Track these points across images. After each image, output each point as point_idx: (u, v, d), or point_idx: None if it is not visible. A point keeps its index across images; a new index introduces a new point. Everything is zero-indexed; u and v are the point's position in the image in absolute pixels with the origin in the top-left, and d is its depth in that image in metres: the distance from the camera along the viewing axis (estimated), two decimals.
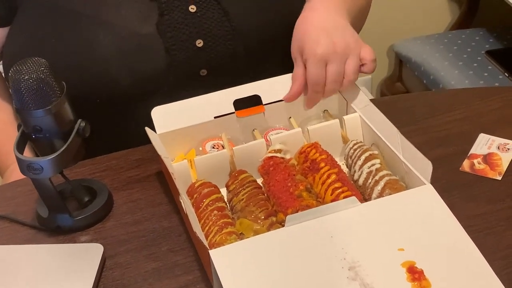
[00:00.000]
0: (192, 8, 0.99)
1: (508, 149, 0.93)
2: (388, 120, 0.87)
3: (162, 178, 0.93)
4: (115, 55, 0.97)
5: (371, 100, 1.05)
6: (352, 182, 0.84)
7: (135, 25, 0.98)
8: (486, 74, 1.69)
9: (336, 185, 0.80)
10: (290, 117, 0.95)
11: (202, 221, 0.79)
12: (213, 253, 0.71)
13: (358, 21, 1.05)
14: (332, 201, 0.79)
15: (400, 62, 1.94)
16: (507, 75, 1.68)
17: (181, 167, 0.88)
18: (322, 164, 0.84)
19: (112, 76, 0.97)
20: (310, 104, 0.95)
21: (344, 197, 0.78)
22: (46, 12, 0.99)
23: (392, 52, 1.99)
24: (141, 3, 0.99)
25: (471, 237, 0.73)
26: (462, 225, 0.75)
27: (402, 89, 1.99)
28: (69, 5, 0.98)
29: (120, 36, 0.97)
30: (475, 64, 1.73)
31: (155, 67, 0.98)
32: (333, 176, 0.82)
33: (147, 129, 0.88)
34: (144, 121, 0.91)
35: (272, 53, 1.03)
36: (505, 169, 0.90)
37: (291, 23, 0.95)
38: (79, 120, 0.81)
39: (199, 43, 0.99)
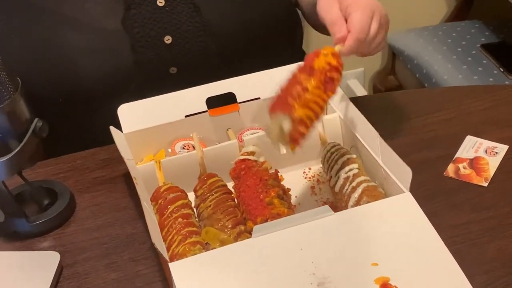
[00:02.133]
0: (161, 2, 0.94)
1: (496, 153, 0.88)
2: (368, 122, 0.82)
3: (130, 179, 0.87)
4: (78, 52, 0.92)
5: (355, 97, 1.01)
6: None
7: (100, 20, 0.92)
8: (480, 68, 1.64)
9: (312, 117, 0.73)
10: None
11: (166, 229, 0.74)
12: (174, 266, 0.66)
13: None
14: (298, 119, 0.71)
15: (393, 55, 1.89)
16: (502, 70, 1.62)
17: (147, 168, 0.83)
18: (330, 94, 0.75)
19: (76, 73, 0.92)
20: (344, 54, 0.79)
21: (300, 132, 0.71)
22: (6, 7, 0.93)
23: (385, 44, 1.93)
24: None
25: (452, 249, 0.68)
26: (443, 235, 0.70)
27: (395, 83, 1.94)
28: (30, 0, 0.92)
29: (84, 31, 0.92)
30: (470, 58, 1.68)
31: (121, 65, 0.93)
32: (320, 112, 0.73)
33: (112, 128, 0.83)
34: (112, 120, 0.86)
35: (248, 51, 0.97)
36: (492, 174, 0.85)
37: (268, 21, 0.90)
38: (36, 119, 0.76)
39: (168, 39, 0.93)
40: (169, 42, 0.94)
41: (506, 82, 1.58)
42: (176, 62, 0.95)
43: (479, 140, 0.90)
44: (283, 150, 0.87)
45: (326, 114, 0.89)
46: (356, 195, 0.77)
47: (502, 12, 1.88)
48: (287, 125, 0.71)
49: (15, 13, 0.93)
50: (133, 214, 0.83)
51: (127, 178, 0.88)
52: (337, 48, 0.77)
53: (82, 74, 0.92)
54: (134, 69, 0.93)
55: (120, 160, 0.90)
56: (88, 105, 0.95)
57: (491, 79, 1.59)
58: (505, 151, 0.88)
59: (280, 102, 0.73)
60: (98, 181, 0.88)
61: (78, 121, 0.98)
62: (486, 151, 0.88)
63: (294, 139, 0.72)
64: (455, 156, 0.88)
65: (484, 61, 1.66)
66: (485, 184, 0.83)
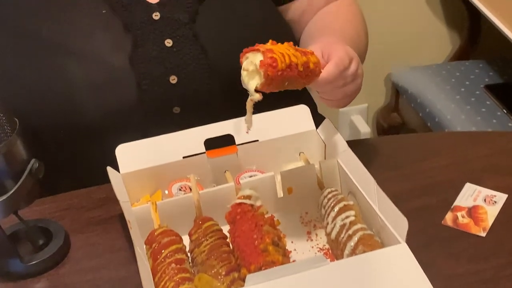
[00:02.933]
0: (168, 42, 0.94)
1: (495, 202, 0.87)
2: (365, 168, 0.81)
3: (126, 220, 0.87)
4: (83, 86, 0.92)
5: (353, 140, 1.00)
6: None
7: (107, 56, 0.93)
8: (484, 109, 1.63)
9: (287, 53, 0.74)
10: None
11: (159, 274, 0.73)
12: None
13: None
14: (267, 49, 0.72)
15: (397, 92, 1.89)
16: (505, 111, 1.62)
17: (143, 210, 0.82)
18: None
19: (79, 108, 0.92)
20: (322, 79, 0.80)
21: (271, 57, 0.72)
22: (12, 38, 0.94)
23: (389, 81, 1.94)
24: (114, 33, 0.94)
25: None
26: (440, 285, 0.69)
27: (398, 120, 1.93)
28: (37, 32, 0.93)
29: (90, 66, 0.92)
30: (473, 99, 1.68)
31: (125, 101, 0.93)
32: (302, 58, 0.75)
33: (109, 169, 0.83)
34: (112, 157, 0.86)
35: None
36: (490, 224, 0.84)
37: None
38: (33, 160, 0.76)
39: (173, 79, 0.94)
40: (174, 82, 0.94)
41: (510, 124, 1.57)
42: (180, 101, 0.95)
43: (478, 188, 0.90)
44: (280, 193, 0.87)
45: (325, 158, 0.89)
46: (352, 243, 0.76)
47: (507, 52, 1.89)
48: (259, 57, 0.72)
49: (24, 45, 0.93)
50: (127, 256, 0.82)
51: (123, 218, 0.87)
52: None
53: (85, 108, 0.92)
54: (137, 106, 0.93)
55: (116, 200, 0.90)
56: (90, 139, 0.95)
57: (494, 121, 1.59)
58: (504, 200, 0.87)
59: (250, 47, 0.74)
60: (94, 221, 0.88)
61: (79, 155, 0.98)
62: (485, 200, 0.88)
63: (265, 64, 0.72)
64: (454, 204, 0.87)
65: (487, 102, 1.66)
66: (483, 234, 0.83)
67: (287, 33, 1.07)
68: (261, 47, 0.73)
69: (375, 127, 2.07)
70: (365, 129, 2.05)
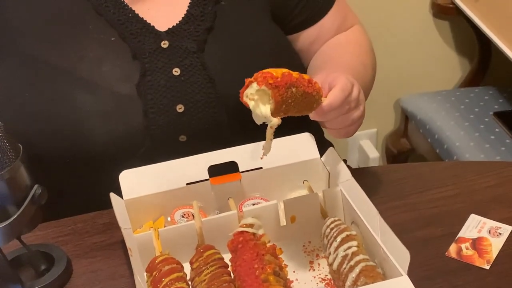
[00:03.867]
0: (176, 71, 0.95)
1: (500, 234, 0.86)
2: (368, 199, 0.81)
3: None
4: (90, 113, 0.92)
5: (358, 168, 1.00)
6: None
7: (115, 84, 0.93)
8: (492, 137, 1.62)
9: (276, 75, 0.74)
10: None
11: None
12: None
13: None
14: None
15: (406, 118, 1.88)
16: None
17: (145, 237, 0.82)
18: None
19: (86, 135, 0.93)
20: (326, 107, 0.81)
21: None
22: (21, 64, 0.95)
23: (399, 106, 1.94)
24: (123, 61, 0.94)
25: None
26: None
27: (407, 146, 1.93)
28: (46, 59, 0.94)
29: (97, 94, 0.93)
30: (482, 126, 1.67)
31: (131, 129, 0.93)
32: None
33: (112, 195, 0.83)
34: (117, 184, 0.86)
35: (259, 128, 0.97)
36: (494, 256, 0.83)
37: None
38: (36, 186, 0.76)
39: (180, 108, 0.94)
40: (181, 110, 0.94)
41: None
42: (186, 130, 0.95)
43: (483, 219, 0.89)
44: (283, 221, 0.87)
45: (329, 187, 0.89)
46: (353, 275, 0.75)
47: None
48: (255, 86, 0.73)
49: (33, 71, 0.94)
50: (128, 283, 0.82)
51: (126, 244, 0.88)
52: (323, 100, 0.79)
53: (91, 136, 0.92)
54: (144, 135, 0.93)
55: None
56: (95, 166, 0.95)
57: (503, 148, 1.58)
58: (509, 232, 0.86)
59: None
60: (97, 247, 0.88)
61: (83, 181, 0.98)
62: (489, 232, 0.87)
63: (263, 78, 0.72)
64: (458, 236, 0.87)
65: (496, 129, 1.65)
66: (487, 267, 0.82)
67: (296, 62, 1.07)
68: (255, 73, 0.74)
69: (384, 152, 2.06)
70: (374, 154, 2.04)
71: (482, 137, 1.63)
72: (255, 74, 0.74)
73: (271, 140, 0.78)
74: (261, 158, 0.82)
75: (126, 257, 0.86)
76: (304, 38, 1.09)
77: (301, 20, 1.08)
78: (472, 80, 1.94)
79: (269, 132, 0.77)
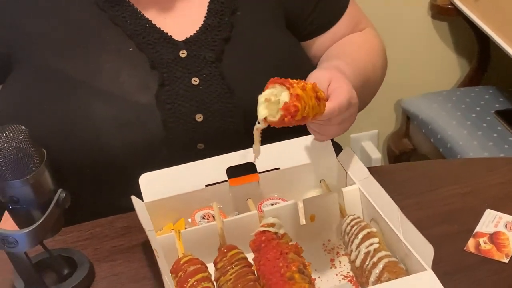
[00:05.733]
0: (195, 81, 0.95)
1: None
2: (388, 195, 0.82)
3: (148, 248, 0.87)
4: (109, 125, 0.92)
5: (371, 167, 1.01)
6: None
7: (133, 94, 0.94)
8: (495, 135, 1.64)
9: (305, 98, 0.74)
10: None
11: None
12: None
13: (364, 93, 0.99)
14: (295, 94, 0.73)
15: (408, 118, 1.90)
16: None
17: (167, 239, 0.83)
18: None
19: (104, 145, 0.93)
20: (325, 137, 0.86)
21: (295, 105, 0.73)
22: (39, 76, 0.95)
23: (400, 107, 1.95)
24: (141, 71, 0.95)
25: None
26: None
27: (409, 146, 1.94)
28: (64, 70, 0.94)
29: (116, 104, 0.93)
30: (484, 124, 1.68)
31: (150, 139, 0.93)
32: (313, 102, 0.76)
33: (133, 198, 0.84)
34: (135, 191, 0.86)
35: (276, 131, 0.98)
36: None
37: None
38: (60, 190, 0.77)
39: (199, 117, 0.95)
40: (200, 120, 0.95)
41: None
42: (204, 138, 0.95)
43: (499, 214, 0.90)
44: (303, 221, 0.88)
45: (346, 186, 0.90)
46: (377, 271, 0.76)
47: None
48: (285, 97, 0.73)
49: (51, 83, 0.94)
50: (151, 285, 0.82)
51: (146, 247, 0.88)
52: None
53: (110, 146, 0.92)
54: (162, 143, 0.93)
55: (138, 228, 0.91)
56: (114, 175, 0.95)
57: (506, 146, 1.60)
58: None
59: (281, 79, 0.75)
60: (117, 250, 0.88)
61: (101, 190, 0.98)
62: (506, 226, 0.88)
63: (287, 110, 0.73)
64: (475, 231, 0.88)
65: (498, 128, 1.67)
66: (506, 260, 0.83)
67: (310, 69, 1.08)
68: (291, 86, 0.74)
69: (386, 153, 2.07)
70: (376, 155, 2.05)
71: (485, 136, 1.65)
72: (295, 89, 0.73)
73: (259, 142, 0.79)
74: (254, 161, 0.84)
75: (147, 259, 0.86)
76: (318, 45, 1.10)
77: (315, 27, 1.08)
78: (472, 80, 1.96)
79: (257, 133, 0.78)
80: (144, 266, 0.85)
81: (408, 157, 1.98)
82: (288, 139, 0.92)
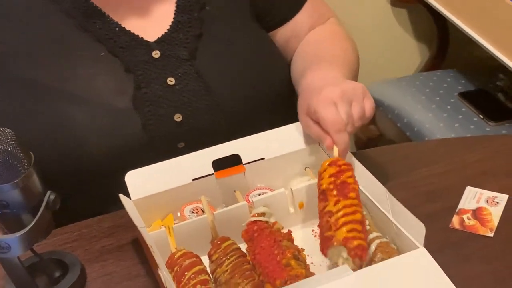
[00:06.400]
0: (171, 81, 0.95)
1: (497, 202, 0.90)
2: (374, 178, 0.83)
3: (138, 246, 0.87)
4: (89, 131, 0.91)
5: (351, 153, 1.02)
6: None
7: (110, 98, 0.93)
8: (460, 116, 1.68)
9: (357, 226, 0.75)
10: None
11: None
12: None
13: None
14: (344, 239, 0.74)
15: None
16: (481, 117, 1.67)
17: (159, 235, 0.82)
18: (353, 194, 0.78)
19: (86, 152, 0.92)
20: (344, 151, 0.84)
21: (357, 245, 0.73)
22: (16, 87, 0.93)
23: None
24: (116, 75, 0.94)
25: None
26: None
27: (376, 132, 1.97)
28: (38, 80, 0.92)
29: (93, 110, 0.92)
30: (449, 107, 1.73)
31: (130, 142, 0.93)
32: (359, 215, 0.76)
33: (121, 196, 0.83)
34: (119, 191, 0.85)
35: (255, 122, 0.98)
36: (496, 224, 0.87)
37: (274, 93, 0.92)
38: (48, 192, 0.75)
39: (178, 117, 0.94)
40: (179, 120, 0.94)
41: (487, 129, 1.63)
42: (185, 137, 0.95)
43: (479, 190, 0.92)
44: (292, 209, 0.89)
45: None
46: (370, 252, 0.78)
47: (476, 59, 1.95)
48: (344, 254, 0.74)
49: (24, 92, 0.92)
50: (145, 282, 0.82)
51: (135, 245, 0.88)
52: (335, 152, 0.83)
53: (92, 152, 0.91)
54: (143, 146, 0.93)
55: (125, 227, 0.91)
56: (96, 181, 0.94)
57: (472, 126, 1.64)
58: (506, 200, 0.90)
59: (323, 241, 0.77)
60: (107, 250, 0.87)
61: (84, 194, 0.97)
62: (487, 201, 0.90)
63: (358, 255, 0.73)
64: (458, 208, 0.90)
65: (463, 109, 1.71)
66: (491, 234, 0.85)
67: (280, 59, 1.09)
68: (333, 241, 0.75)
69: (353, 141, 2.10)
70: None
71: (451, 118, 1.68)
72: (349, 245, 0.74)
73: None
74: None
75: (138, 257, 0.86)
76: (281, 35, 1.10)
77: (279, 18, 1.09)
78: (433, 65, 2.00)
79: None
80: (136, 264, 0.85)
81: (375, 143, 2.01)
82: (272, 128, 0.93)
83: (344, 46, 1.09)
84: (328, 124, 0.83)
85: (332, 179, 0.78)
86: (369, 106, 0.87)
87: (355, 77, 1.07)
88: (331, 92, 0.85)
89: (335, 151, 0.83)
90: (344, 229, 0.74)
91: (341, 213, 0.75)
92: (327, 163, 0.81)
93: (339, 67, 0.97)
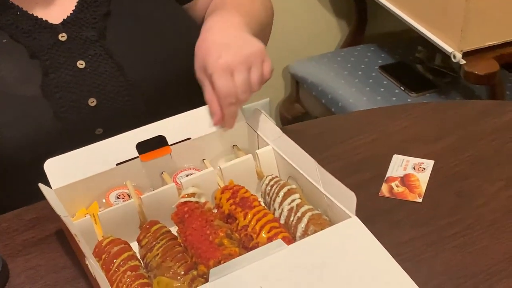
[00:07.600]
0: (81, 64, 0.90)
1: (424, 168, 0.91)
2: (303, 151, 0.82)
3: (63, 237, 0.83)
4: (0, 123, 0.86)
5: (281, 128, 1.01)
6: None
7: (17, 88, 0.87)
8: (382, 89, 1.71)
9: (274, 224, 0.76)
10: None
11: (115, 284, 0.71)
12: None
13: (261, 37, 0.99)
14: (268, 239, 0.74)
15: (297, 83, 1.93)
16: (402, 88, 1.70)
17: (84, 223, 0.79)
18: (256, 203, 0.79)
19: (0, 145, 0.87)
20: (231, 123, 0.87)
21: (282, 238, 0.73)
22: None
23: (288, 73, 1.98)
24: (20, 62, 0.89)
25: (402, 267, 0.70)
26: (391, 254, 0.71)
27: (301, 110, 1.98)
28: None
29: (1, 102, 0.87)
30: (371, 80, 1.75)
31: (43, 132, 0.88)
32: (270, 215, 0.77)
33: (41, 186, 0.79)
34: (40, 181, 0.81)
35: (174, 100, 0.95)
36: (424, 190, 0.88)
37: (191, 68, 0.89)
38: None
39: (92, 102, 0.90)
40: (93, 104, 0.90)
41: (409, 100, 1.66)
42: (102, 123, 0.91)
43: (406, 157, 0.93)
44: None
45: (259, 148, 0.89)
46: (302, 225, 0.77)
47: (394, 32, 1.99)
48: None
49: None
50: (72, 273, 0.78)
51: (60, 236, 0.84)
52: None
53: (5, 145, 0.86)
54: (58, 134, 0.88)
55: (49, 218, 0.86)
56: (14, 173, 0.89)
57: (394, 98, 1.67)
58: (432, 166, 0.92)
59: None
60: (29, 243, 0.83)
61: (3, 189, 0.92)
62: (414, 168, 0.91)
63: None
64: (386, 176, 0.91)
65: (384, 82, 1.74)
66: (420, 200, 0.86)
67: (197, 33, 1.06)
68: (264, 242, 0.74)
69: (279, 120, 2.10)
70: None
71: (373, 91, 1.71)
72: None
73: None
74: None
75: (63, 248, 0.82)
76: (200, 6, 1.07)
77: None
78: (353, 40, 2.02)
79: None
80: (61, 256, 0.81)
81: (301, 121, 2.01)
82: (194, 108, 0.90)
83: (256, 4, 1.06)
84: (221, 95, 0.83)
85: (231, 200, 0.80)
86: (267, 70, 0.87)
87: (261, 28, 1.03)
88: (230, 58, 0.84)
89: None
90: (263, 232, 0.75)
91: (254, 220, 0.76)
92: (219, 192, 0.83)
93: (243, 15, 0.94)
